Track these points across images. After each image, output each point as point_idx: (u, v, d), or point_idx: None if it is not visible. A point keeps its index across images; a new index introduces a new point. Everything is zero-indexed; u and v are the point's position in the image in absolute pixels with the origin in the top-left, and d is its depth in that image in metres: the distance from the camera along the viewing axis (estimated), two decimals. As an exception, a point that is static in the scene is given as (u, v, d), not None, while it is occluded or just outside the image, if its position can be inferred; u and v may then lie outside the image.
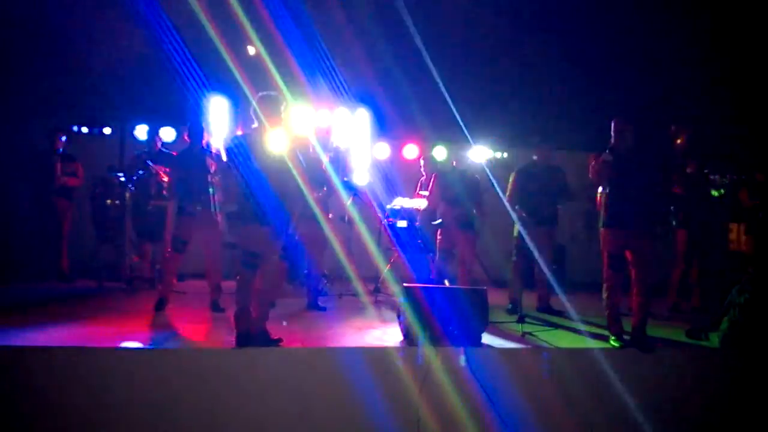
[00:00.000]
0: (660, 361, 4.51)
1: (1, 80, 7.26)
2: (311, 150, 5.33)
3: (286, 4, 7.46)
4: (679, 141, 5.11)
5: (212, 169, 5.39)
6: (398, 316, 4.78)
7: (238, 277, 4.27)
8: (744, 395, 4.43)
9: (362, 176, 7.34)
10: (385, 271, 7.03)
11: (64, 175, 6.77)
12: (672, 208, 6.53)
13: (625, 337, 4.71)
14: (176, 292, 5.81)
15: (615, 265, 4.75)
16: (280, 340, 4.22)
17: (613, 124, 4.81)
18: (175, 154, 6.52)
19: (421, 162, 7.20)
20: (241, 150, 4.21)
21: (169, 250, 5.58)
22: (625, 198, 4.65)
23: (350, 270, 7.73)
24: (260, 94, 4.32)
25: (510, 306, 5.98)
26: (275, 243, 4.30)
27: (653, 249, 4.80)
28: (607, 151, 4.71)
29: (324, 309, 5.79)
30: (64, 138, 6.92)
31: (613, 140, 4.79)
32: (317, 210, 5.50)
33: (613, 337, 4.70)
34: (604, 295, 4.85)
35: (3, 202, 7.36)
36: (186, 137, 5.62)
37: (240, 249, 4.37)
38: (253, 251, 4.21)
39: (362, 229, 7.05)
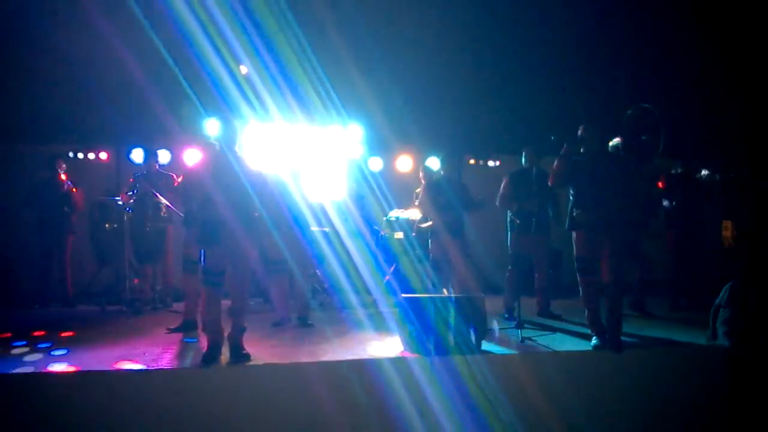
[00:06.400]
0: (654, 361, 4.57)
1: (5, 105, 7.37)
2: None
3: (278, 24, 7.58)
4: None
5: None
6: (398, 327, 4.83)
7: (203, 295, 4.40)
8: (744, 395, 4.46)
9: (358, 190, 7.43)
10: (384, 282, 7.09)
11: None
12: (663, 207, 6.64)
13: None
14: (175, 311, 5.85)
15: (585, 269, 4.79)
16: (248, 355, 4.30)
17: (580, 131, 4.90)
18: (174, 175, 6.61)
19: (421, 173, 7.28)
20: (202, 171, 4.34)
21: (183, 272, 5.60)
22: (597, 203, 4.69)
23: (349, 283, 7.80)
24: (222, 115, 4.45)
25: (506, 314, 6.04)
26: (240, 260, 4.37)
27: (633, 250, 4.83)
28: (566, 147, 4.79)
29: (311, 325, 5.71)
30: (64, 166, 7.02)
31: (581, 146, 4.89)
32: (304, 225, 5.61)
33: (594, 337, 4.78)
34: (583, 297, 4.85)
35: (6, 229, 7.44)
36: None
37: (203, 268, 4.45)
38: (216, 271, 4.33)
39: (359, 242, 7.12)
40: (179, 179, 6.01)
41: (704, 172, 6.92)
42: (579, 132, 4.89)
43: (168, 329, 5.36)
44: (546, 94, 8.36)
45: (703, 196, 6.62)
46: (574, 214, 4.80)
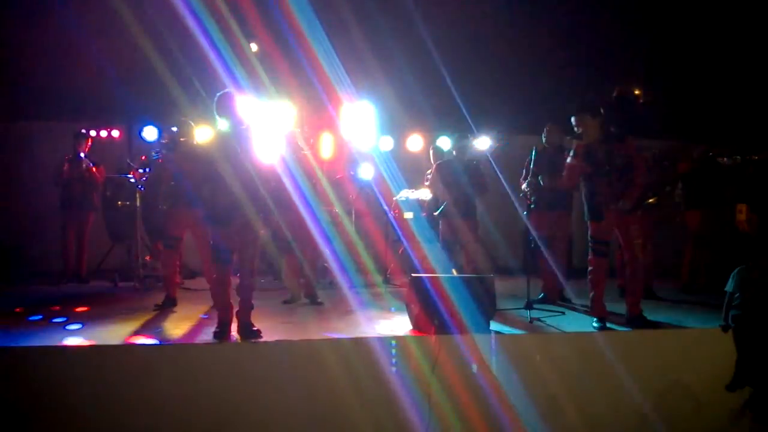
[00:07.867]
0: (665, 343, 4.56)
1: (19, 82, 7.40)
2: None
3: (288, 0, 7.51)
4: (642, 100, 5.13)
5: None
6: (407, 306, 4.85)
7: (213, 274, 4.41)
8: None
9: (366, 170, 7.42)
10: (393, 262, 7.12)
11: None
12: (682, 189, 6.58)
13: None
14: (186, 289, 5.92)
15: (602, 251, 4.80)
16: (259, 332, 4.30)
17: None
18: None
19: (430, 152, 7.24)
20: (205, 150, 4.35)
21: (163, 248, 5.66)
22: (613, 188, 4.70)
23: (359, 262, 7.84)
24: (219, 93, 4.43)
25: (542, 295, 5.89)
26: (247, 239, 4.38)
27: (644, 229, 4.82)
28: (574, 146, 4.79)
29: (321, 304, 5.73)
30: (88, 144, 7.06)
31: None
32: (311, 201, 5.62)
33: (595, 319, 4.77)
34: (590, 276, 4.86)
35: (18, 206, 7.52)
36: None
37: (213, 246, 4.47)
38: (224, 249, 4.35)
39: (370, 221, 7.14)
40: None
41: (727, 154, 6.84)
42: (573, 124, 4.87)
43: (155, 305, 5.37)
44: (562, 74, 8.25)
45: (725, 179, 6.56)
46: (596, 204, 4.74)
